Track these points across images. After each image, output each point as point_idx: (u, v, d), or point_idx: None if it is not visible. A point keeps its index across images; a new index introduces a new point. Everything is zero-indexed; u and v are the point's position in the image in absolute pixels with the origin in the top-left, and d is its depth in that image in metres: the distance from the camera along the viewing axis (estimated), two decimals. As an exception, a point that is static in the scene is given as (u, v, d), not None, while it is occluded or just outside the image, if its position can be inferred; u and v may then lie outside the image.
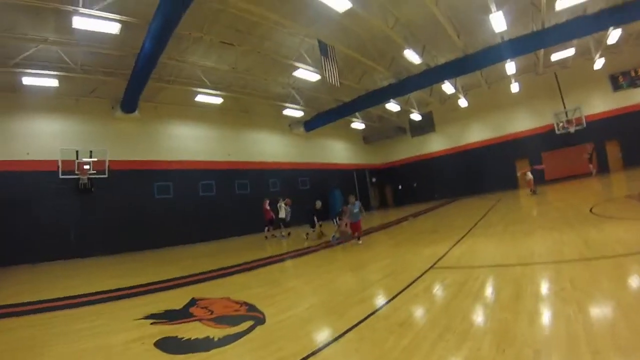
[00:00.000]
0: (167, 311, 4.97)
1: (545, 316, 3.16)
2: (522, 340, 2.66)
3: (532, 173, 19.98)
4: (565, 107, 24.60)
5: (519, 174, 23.26)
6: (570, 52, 21.58)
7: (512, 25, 16.37)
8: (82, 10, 10.86)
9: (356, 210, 10.38)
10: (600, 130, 23.39)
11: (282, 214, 15.79)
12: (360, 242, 10.21)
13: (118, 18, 11.75)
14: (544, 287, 3.97)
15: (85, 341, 4.01)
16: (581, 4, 15.03)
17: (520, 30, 17.04)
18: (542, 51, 20.91)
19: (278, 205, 15.96)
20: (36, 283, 9.40)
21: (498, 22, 15.17)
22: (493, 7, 14.44)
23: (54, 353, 3.71)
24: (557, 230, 7.34)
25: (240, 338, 3.58)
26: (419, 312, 3.90)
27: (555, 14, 15.86)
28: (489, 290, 4.20)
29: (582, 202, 11.32)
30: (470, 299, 3.93)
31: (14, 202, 13.92)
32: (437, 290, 4.61)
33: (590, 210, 9.06)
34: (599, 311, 3.04)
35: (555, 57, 22.41)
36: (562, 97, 25.08)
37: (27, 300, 6.58)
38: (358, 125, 30.74)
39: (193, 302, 5.39)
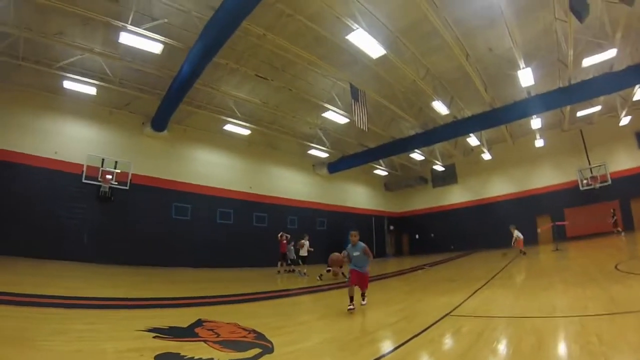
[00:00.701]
0: (171, 327, 4.84)
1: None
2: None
3: (553, 229, 19.43)
4: (590, 164, 24.18)
5: (539, 230, 22.71)
6: (596, 108, 21.30)
7: (539, 81, 16.52)
8: (130, 27, 11.44)
9: (356, 253, 6.71)
10: (626, 187, 22.67)
11: (303, 252, 15.43)
12: (365, 302, 6.78)
13: (162, 39, 12.30)
14: (568, 340, 3.75)
15: (81, 342, 3.92)
16: (608, 61, 14.99)
17: (547, 86, 17.07)
18: (568, 107, 20.73)
19: (300, 242, 15.63)
20: (41, 277, 9.40)
21: (526, 77, 15.36)
22: (521, 64, 14.67)
23: (47, 348, 3.64)
24: (580, 285, 7.05)
25: (245, 364, 3.43)
26: (435, 358, 3.72)
27: (582, 70, 15.83)
28: (508, 340, 3.98)
29: (607, 259, 10.91)
30: (489, 347, 3.73)
31: (35, 196, 14.30)
32: (454, 336, 4.40)
33: (616, 267, 8.70)
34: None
35: (581, 113, 22.16)
36: (587, 153, 24.67)
37: (28, 292, 6.51)
38: (380, 172, 30.80)
39: (199, 322, 5.24)
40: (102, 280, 10.29)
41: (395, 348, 3.98)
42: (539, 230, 22.84)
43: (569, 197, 25.00)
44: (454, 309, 5.98)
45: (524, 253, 16.60)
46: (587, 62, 14.79)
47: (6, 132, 14.21)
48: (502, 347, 3.76)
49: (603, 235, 21.32)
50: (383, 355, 3.67)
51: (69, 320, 4.90)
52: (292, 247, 16.02)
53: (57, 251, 14.04)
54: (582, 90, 15.81)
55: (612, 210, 19.79)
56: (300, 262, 15.44)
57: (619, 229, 19.75)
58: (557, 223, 20.43)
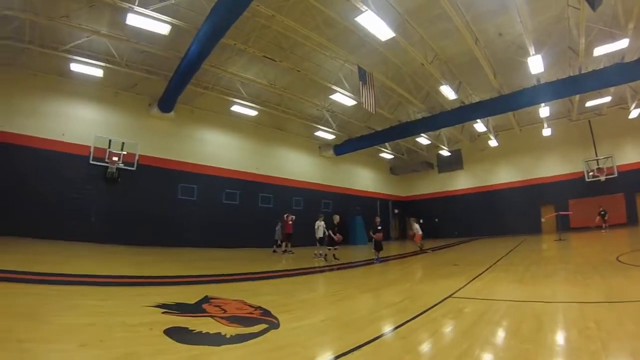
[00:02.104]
0: (178, 304, 4.96)
1: (568, 351, 3.05)
2: (543, 370, 2.58)
3: (557, 218, 19.36)
4: (597, 155, 24.12)
5: (543, 219, 22.73)
6: (606, 99, 21.12)
7: (549, 68, 16.37)
8: (137, 8, 11.32)
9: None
10: (632, 181, 22.63)
11: (319, 234, 14.89)
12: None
13: (169, 20, 12.22)
14: (567, 324, 3.84)
15: (93, 317, 4.04)
16: (619, 51, 14.82)
17: (557, 74, 16.92)
18: (577, 97, 20.58)
19: (316, 224, 15.11)
20: (50, 256, 9.63)
21: (536, 64, 15.17)
22: (532, 50, 14.46)
23: (60, 322, 3.76)
24: (581, 273, 7.14)
25: (253, 339, 3.55)
26: (437, 335, 3.82)
27: (593, 59, 15.69)
28: (509, 322, 4.07)
29: (609, 251, 11.01)
30: (490, 328, 3.83)
31: (43, 178, 14.46)
32: (456, 316, 4.50)
33: (617, 259, 8.77)
34: (623, 350, 2.92)
35: (590, 103, 21.97)
36: (594, 144, 24.56)
37: (39, 270, 6.71)
38: (386, 155, 30.85)
39: (206, 299, 5.37)
40: (110, 260, 10.49)
41: (399, 326, 4.08)
42: (543, 219, 22.89)
43: (574, 188, 24.97)
44: (456, 291, 6.09)
45: (423, 249, 16.21)
46: (599, 51, 14.62)
47: (14, 116, 14.31)
48: (502, 328, 3.85)
49: (609, 227, 21.34)
50: (385, 333, 3.77)
51: (81, 297, 5.04)
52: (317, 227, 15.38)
53: (66, 232, 14.28)
54: (592, 79, 15.60)
55: (600, 209, 19.52)
56: (318, 244, 14.82)
57: (605, 225, 19.45)
58: (561, 213, 20.40)
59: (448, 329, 4.09)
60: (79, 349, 2.99)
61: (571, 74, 16.48)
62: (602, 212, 20.51)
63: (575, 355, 2.91)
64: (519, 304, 4.99)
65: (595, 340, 3.13)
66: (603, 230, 19.75)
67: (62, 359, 2.75)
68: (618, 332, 3.41)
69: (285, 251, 16.21)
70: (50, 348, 2.98)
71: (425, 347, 3.36)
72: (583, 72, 15.93)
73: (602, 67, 15.48)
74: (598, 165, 23.75)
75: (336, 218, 14.04)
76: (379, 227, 12.73)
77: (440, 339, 3.71)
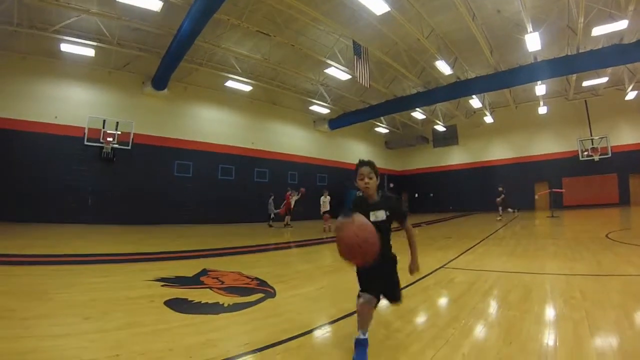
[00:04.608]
0: (177, 277, 5.11)
1: (553, 318, 3.18)
2: (527, 335, 2.70)
3: (550, 195, 19.39)
4: (591, 135, 24.31)
5: (537, 196, 22.96)
6: (603, 80, 21.24)
7: (546, 47, 16.32)
8: (127, -16, 11.13)
9: None
10: (626, 161, 22.97)
11: (325, 207, 14.79)
12: None
13: (161, -4, 12.00)
14: (554, 294, 3.97)
15: (95, 292, 4.17)
16: (618, 32, 14.80)
17: (555, 52, 16.91)
18: (574, 76, 20.63)
19: (322, 199, 15.03)
20: (50, 239, 9.71)
21: (533, 42, 15.09)
22: (529, 27, 14.38)
23: (63, 299, 3.85)
24: (570, 248, 7.31)
25: (250, 307, 3.69)
26: (428, 302, 3.94)
27: (592, 39, 15.66)
28: (497, 291, 4.20)
29: (599, 228, 11.18)
30: (479, 296, 3.97)
31: (38, 163, 14.47)
32: (447, 285, 4.65)
33: (607, 236, 8.97)
34: (607, 319, 3.04)
35: (587, 83, 22.07)
36: (589, 124, 24.70)
37: (38, 252, 6.87)
38: (382, 129, 30.98)
39: (204, 272, 5.52)
40: (108, 239, 10.58)
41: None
42: (536, 196, 23.11)
43: (568, 166, 25.28)
44: (448, 262, 6.28)
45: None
46: (597, 31, 14.57)
47: (5, 100, 14.19)
48: (491, 297, 3.98)
49: (600, 206, 21.63)
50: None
51: (82, 275, 5.15)
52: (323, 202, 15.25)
53: (64, 215, 14.46)
54: (589, 59, 15.58)
55: (500, 189, 18.68)
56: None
57: (508, 209, 18.64)
58: (554, 190, 20.61)
59: (439, 296, 4.23)
60: (82, 322, 3.09)
61: (569, 53, 16.42)
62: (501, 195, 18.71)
63: (560, 322, 3.02)
64: (508, 275, 5.13)
65: (579, 309, 3.26)
66: (499, 218, 17.94)
67: (67, 332, 2.83)
68: (603, 302, 3.54)
69: (286, 224, 16.61)
70: (54, 322, 3.08)
71: (416, 313, 3.49)
72: (581, 51, 15.88)
73: (600, 47, 15.44)
74: (592, 144, 23.97)
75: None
76: None
77: (431, 305, 3.84)
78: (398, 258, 2.63)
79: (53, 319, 3.19)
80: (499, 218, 17.34)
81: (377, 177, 2.61)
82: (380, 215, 2.54)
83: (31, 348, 2.49)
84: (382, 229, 2.45)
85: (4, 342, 2.57)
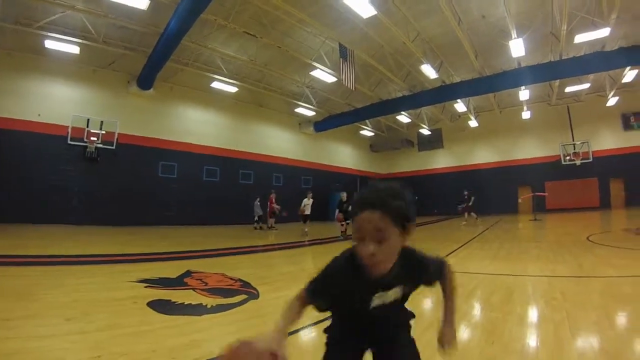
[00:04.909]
0: (161, 278, 5.07)
1: (534, 319, 3.23)
2: (509, 336, 2.74)
3: (533, 199, 19.72)
4: (573, 140, 24.71)
5: (520, 200, 23.30)
6: (585, 86, 21.59)
7: (530, 53, 16.51)
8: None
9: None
10: (607, 166, 23.43)
11: (308, 211, 14.71)
12: None
13: (149, -6, 11.87)
14: (535, 295, 4.04)
15: (78, 293, 4.13)
16: (600, 40, 15.05)
17: (538, 58, 17.14)
18: (557, 82, 20.95)
19: (304, 201, 14.84)
20: (34, 240, 9.56)
21: (517, 48, 15.31)
22: (514, 34, 14.61)
23: (47, 300, 3.82)
24: (552, 251, 7.44)
25: (233, 308, 3.69)
26: (410, 305, 3.93)
27: (574, 46, 15.87)
28: (480, 293, 4.25)
29: (580, 231, 11.41)
30: (462, 298, 3.99)
31: (21, 162, 14.16)
32: (431, 287, 4.64)
33: (587, 238, 9.16)
34: (587, 319, 3.10)
35: (570, 89, 22.43)
36: (572, 129, 25.11)
37: (22, 253, 6.78)
38: (367, 132, 31.00)
39: (188, 273, 5.49)
40: (93, 241, 10.41)
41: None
42: (520, 199, 23.44)
43: (551, 170, 25.67)
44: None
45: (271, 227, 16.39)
46: (580, 38, 14.79)
47: None
48: (474, 298, 4.03)
49: (581, 210, 22.05)
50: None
51: (65, 276, 5.09)
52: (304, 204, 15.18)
53: (47, 215, 14.18)
54: (572, 65, 15.93)
55: (465, 195, 18.53)
56: (303, 221, 14.65)
57: (472, 214, 18.33)
58: (537, 194, 20.94)
59: (421, 297, 4.24)
60: (64, 323, 3.06)
61: (552, 60, 16.73)
62: (466, 200, 18.69)
63: (541, 323, 3.08)
64: (491, 277, 5.20)
65: (560, 310, 3.32)
66: (463, 223, 17.67)
67: (48, 333, 2.80)
68: (584, 303, 3.62)
69: (270, 227, 16.52)
70: (37, 323, 3.05)
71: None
72: (564, 58, 16.18)
73: (582, 54, 15.75)
74: (574, 149, 24.39)
75: (344, 196, 13.52)
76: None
77: (414, 307, 3.83)
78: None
79: (35, 319, 3.16)
80: (464, 223, 17.46)
81: (404, 229, 1.17)
82: (392, 295, 1.29)
83: (16, 349, 2.47)
84: (389, 313, 1.32)
85: (-12, 343, 2.53)
